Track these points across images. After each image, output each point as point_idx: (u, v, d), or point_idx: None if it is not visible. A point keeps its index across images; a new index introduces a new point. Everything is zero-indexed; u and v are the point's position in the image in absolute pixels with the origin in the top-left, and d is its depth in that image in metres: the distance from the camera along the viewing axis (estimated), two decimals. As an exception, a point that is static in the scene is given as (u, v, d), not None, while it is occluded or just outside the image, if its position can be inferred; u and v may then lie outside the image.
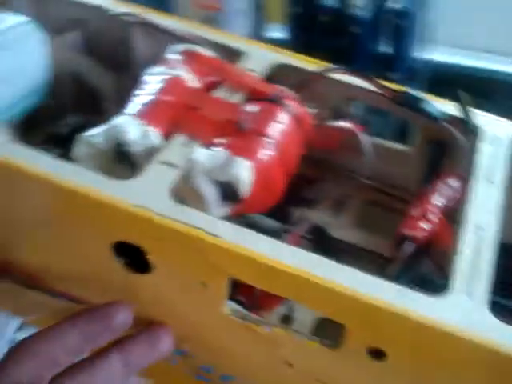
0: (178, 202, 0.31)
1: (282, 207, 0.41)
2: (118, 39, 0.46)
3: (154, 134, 0.35)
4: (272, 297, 0.36)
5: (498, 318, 0.28)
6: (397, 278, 0.31)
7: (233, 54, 0.42)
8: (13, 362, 0.32)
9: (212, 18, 0.87)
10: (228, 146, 0.34)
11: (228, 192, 0.33)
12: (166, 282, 0.33)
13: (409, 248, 0.33)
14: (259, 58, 0.42)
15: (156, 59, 0.40)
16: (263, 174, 0.34)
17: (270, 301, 0.37)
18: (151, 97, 0.37)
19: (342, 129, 0.42)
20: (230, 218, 0.32)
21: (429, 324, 0.27)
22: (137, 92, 0.38)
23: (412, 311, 0.28)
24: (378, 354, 0.30)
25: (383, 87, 0.40)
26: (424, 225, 0.35)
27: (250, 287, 0.36)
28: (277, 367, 0.34)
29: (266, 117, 0.36)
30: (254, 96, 0.38)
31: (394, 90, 0.39)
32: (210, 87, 0.39)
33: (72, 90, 0.48)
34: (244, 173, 0.33)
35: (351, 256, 0.41)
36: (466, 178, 0.35)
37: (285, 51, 0.44)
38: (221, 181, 0.33)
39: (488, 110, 0.40)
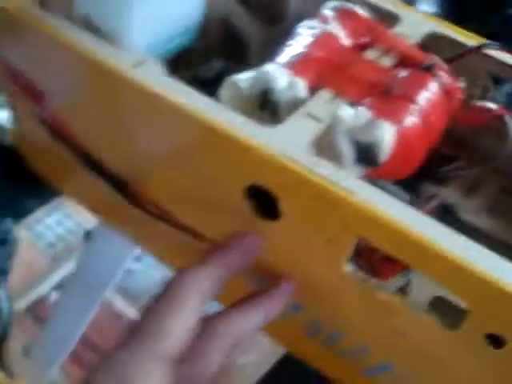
0: (317, 154, 0.31)
1: (413, 180, 0.41)
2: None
3: (301, 86, 0.35)
4: (391, 265, 0.36)
5: None
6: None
7: (388, 18, 0.41)
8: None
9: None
10: (373, 108, 0.33)
11: (366, 154, 0.33)
12: (292, 232, 0.33)
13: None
14: (415, 25, 0.41)
15: (309, 15, 0.40)
16: (405, 141, 0.33)
17: (389, 269, 0.37)
18: (302, 49, 0.37)
19: (489, 109, 0.41)
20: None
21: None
22: (288, 43, 0.38)
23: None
24: (497, 341, 0.29)
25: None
26: None
27: (370, 253, 0.36)
28: (388, 333, 0.33)
29: (416, 84, 0.35)
30: (406, 62, 0.37)
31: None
32: (361, 48, 0.38)
33: (220, 34, 0.49)
34: (386, 136, 0.32)
35: (477, 241, 0.40)
36: None
37: (441, 21, 0.42)
38: (361, 141, 0.33)
39: None
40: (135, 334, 0.30)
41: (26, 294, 0.76)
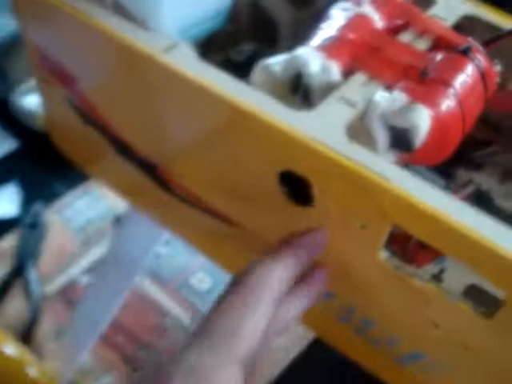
0: (351, 139, 0.31)
1: (448, 165, 0.40)
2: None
3: (334, 70, 0.34)
4: (425, 253, 0.36)
5: None
6: None
7: (423, 0, 0.40)
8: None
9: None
10: (409, 91, 0.32)
11: (401, 139, 0.32)
12: (325, 219, 0.33)
13: None
14: (449, 7, 0.40)
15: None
16: (441, 125, 0.33)
17: (422, 257, 0.36)
18: (335, 32, 0.36)
19: (526, 94, 0.40)
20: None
21: None
22: (321, 26, 0.37)
23: None
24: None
25: None
26: None
27: (404, 240, 0.35)
28: (421, 324, 0.33)
29: (453, 67, 0.34)
30: (442, 45, 0.36)
31: None
32: (396, 30, 0.38)
33: (250, 17, 0.49)
34: (422, 121, 0.31)
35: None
36: None
37: (477, 3, 0.41)
38: (396, 126, 0.32)
39: None
40: (210, 333, 0.29)
41: (56, 277, 0.77)
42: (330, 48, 0.35)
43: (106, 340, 0.70)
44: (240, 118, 0.32)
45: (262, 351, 0.30)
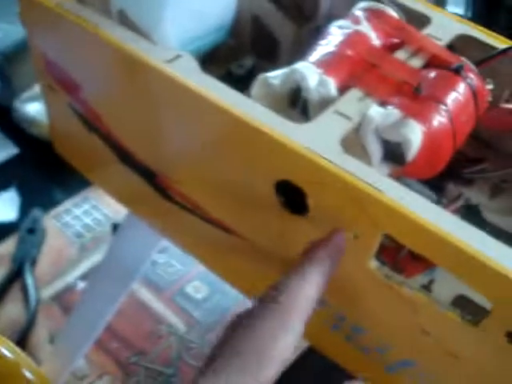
0: (346, 152, 0.32)
1: (439, 180, 0.41)
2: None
3: (332, 85, 0.35)
4: (415, 263, 0.37)
5: None
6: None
7: (418, 19, 0.42)
8: None
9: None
10: (403, 107, 0.34)
11: (394, 153, 0.34)
12: (319, 228, 0.34)
13: None
14: (444, 27, 0.41)
15: (339, 15, 0.41)
16: (432, 141, 0.34)
17: (412, 267, 0.37)
18: (333, 49, 0.37)
19: (516, 113, 0.41)
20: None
21: None
22: (319, 42, 0.38)
23: None
24: (518, 340, 0.29)
25: None
26: None
27: (395, 251, 0.36)
28: (410, 331, 0.34)
29: (445, 85, 0.35)
30: (435, 63, 0.38)
31: None
32: (391, 48, 0.39)
33: (251, 33, 0.50)
34: (414, 136, 0.33)
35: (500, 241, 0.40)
36: None
37: (471, 23, 0.43)
38: (389, 140, 0.33)
39: None
40: (235, 353, 0.28)
41: (53, 282, 0.78)
42: (328, 64, 0.36)
43: (101, 346, 0.71)
44: (239, 129, 0.34)
45: None
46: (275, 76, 0.36)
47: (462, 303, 0.35)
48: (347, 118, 0.33)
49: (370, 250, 0.32)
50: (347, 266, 0.34)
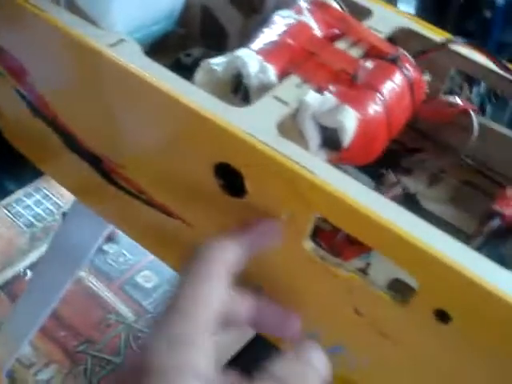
0: (283, 136, 0.33)
1: (378, 168, 0.42)
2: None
3: (271, 71, 0.36)
4: (351, 247, 0.38)
5: None
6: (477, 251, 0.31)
7: (361, 12, 0.43)
8: None
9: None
10: (339, 94, 0.35)
11: (330, 138, 0.35)
12: (256, 210, 0.34)
13: (495, 223, 0.34)
14: (385, 19, 0.43)
15: (286, 7, 0.42)
16: (367, 128, 0.35)
17: (348, 251, 0.38)
18: (275, 37, 0.38)
19: (454, 104, 0.43)
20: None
21: (502, 296, 0.28)
22: (263, 30, 0.39)
23: (487, 280, 0.28)
24: (443, 317, 0.31)
25: (507, 69, 0.40)
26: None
27: (331, 235, 0.37)
28: (344, 312, 0.35)
29: (382, 74, 0.36)
30: (374, 53, 0.39)
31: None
32: (333, 39, 0.40)
33: (200, 23, 0.51)
34: (349, 122, 0.34)
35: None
36: None
37: (411, 17, 0.44)
38: (325, 126, 0.34)
39: None
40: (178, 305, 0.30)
41: (2, 271, 0.77)
42: (269, 51, 0.37)
43: (48, 334, 0.70)
44: (179, 113, 0.34)
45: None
46: (218, 63, 0.37)
47: (397, 287, 0.36)
48: (284, 103, 0.34)
49: (304, 230, 0.33)
50: (283, 246, 0.35)
